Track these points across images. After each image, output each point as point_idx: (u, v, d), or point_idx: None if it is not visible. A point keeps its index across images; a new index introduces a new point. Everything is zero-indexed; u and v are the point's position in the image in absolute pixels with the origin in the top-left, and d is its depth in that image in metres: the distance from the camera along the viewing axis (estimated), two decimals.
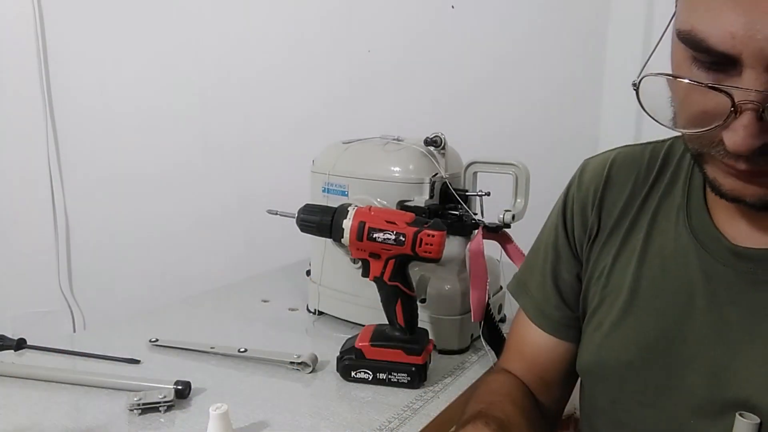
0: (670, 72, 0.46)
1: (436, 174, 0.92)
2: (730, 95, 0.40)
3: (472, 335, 0.94)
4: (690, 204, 0.57)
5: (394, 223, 0.78)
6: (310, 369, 0.84)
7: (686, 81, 0.44)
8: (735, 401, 0.50)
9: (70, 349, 0.88)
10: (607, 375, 0.60)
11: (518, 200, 0.94)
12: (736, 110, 0.40)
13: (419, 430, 0.72)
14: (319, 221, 0.81)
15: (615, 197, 0.63)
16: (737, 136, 0.41)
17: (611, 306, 0.61)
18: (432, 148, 0.93)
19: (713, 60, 0.42)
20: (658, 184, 0.61)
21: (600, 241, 0.63)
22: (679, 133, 0.49)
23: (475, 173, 0.97)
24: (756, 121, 0.40)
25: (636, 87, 0.46)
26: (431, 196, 0.92)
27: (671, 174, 0.60)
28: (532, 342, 0.71)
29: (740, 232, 0.53)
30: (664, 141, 0.63)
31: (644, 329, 0.57)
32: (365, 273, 0.81)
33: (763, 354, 0.50)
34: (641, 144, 0.65)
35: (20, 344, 0.86)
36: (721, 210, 0.55)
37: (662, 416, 0.56)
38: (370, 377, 0.81)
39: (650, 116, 0.47)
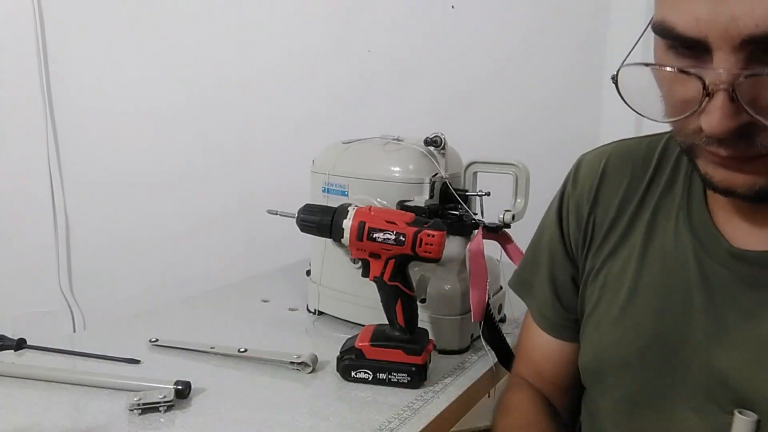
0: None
1: (436, 174, 0.92)
2: (701, 78, 0.41)
3: (472, 335, 0.94)
4: (691, 203, 0.57)
5: (394, 223, 0.78)
6: (310, 369, 0.84)
7: (659, 68, 0.45)
8: (733, 402, 0.50)
9: (70, 349, 0.88)
10: (606, 375, 0.60)
11: (518, 200, 0.94)
12: (708, 93, 0.41)
13: (419, 430, 0.72)
14: (319, 221, 0.81)
15: (611, 193, 0.62)
16: (712, 118, 0.41)
17: (610, 304, 0.60)
18: (432, 148, 0.93)
19: (686, 47, 0.42)
20: (657, 179, 0.60)
21: (597, 239, 0.63)
22: (665, 124, 0.49)
23: (475, 173, 0.97)
24: (729, 101, 0.40)
25: (614, 80, 0.47)
26: (431, 196, 0.92)
27: (671, 170, 0.59)
28: (539, 345, 0.71)
29: (739, 233, 0.53)
30: (661, 134, 0.62)
31: (642, 329, 0.57)
32: (365, 273, 0.81)
33: (759, 355, 0.49)
34: (637, 138, 0.64)
35: (20, 344, 0.86)
36: (721, 210, 0.54)
37: (661, 416, 0.55)
38: (370, 377, 0.81)
39: (631, 108, 0.47)
